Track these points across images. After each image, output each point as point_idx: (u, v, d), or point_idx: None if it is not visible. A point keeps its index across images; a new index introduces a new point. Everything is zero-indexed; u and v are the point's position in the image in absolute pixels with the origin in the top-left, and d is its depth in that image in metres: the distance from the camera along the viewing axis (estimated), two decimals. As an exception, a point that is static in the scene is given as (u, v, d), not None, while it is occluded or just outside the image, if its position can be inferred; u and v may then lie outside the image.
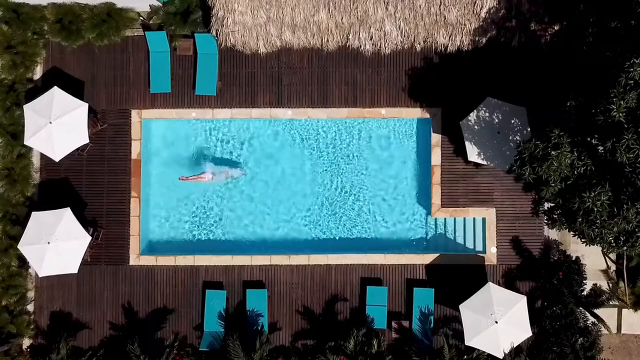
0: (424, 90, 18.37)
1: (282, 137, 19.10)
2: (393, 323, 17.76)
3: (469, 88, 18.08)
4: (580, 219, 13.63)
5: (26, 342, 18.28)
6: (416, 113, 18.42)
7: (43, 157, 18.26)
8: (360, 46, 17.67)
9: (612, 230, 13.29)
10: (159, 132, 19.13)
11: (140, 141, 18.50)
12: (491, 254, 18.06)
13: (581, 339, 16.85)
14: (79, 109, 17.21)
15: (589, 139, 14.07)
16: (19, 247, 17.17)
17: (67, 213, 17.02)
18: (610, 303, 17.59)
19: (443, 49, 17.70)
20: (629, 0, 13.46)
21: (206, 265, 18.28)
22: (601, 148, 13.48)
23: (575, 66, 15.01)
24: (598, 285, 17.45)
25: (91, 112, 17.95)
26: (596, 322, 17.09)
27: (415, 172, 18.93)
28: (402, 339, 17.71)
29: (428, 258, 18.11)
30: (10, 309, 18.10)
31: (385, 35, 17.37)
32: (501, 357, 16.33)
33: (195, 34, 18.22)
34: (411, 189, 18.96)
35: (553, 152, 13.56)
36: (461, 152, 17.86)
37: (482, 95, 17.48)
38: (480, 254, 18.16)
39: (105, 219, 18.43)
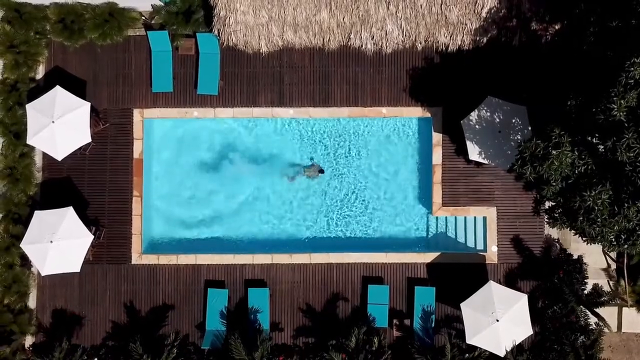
0: (425, 90, 18.41)
1: (282, 136, 19.14)
2: (394, 321, 17.81)
3: (469, 87, 18.12)
4: (581, 218, 13.66)
5: (29, 341, 18.33)
6: (417, 112, 18.46)
7: (45, 156, 18.31)
8: (362, 45, 17.71)
9: (612, 229, 13.32)
10: (161, 131, 19.19)
11: (142, 140, 18.55)
12: (492, 253, 18.11)
13: (582, 337, 16.90)
14: (81, 108, 17.24)
15: (589, 138, 14.11)
16: (21, 246, 17.21)
17: (69, 212, 17.06)
18: (611, 302, 17.62)
19: (444, 48, 17.74)
20: (629, 0, 13.50)
21: (208, 264, 18.33)
22: (602, 147, 13.52)
23: (576, 65, 15.05)
24: (600, 285, 17.48)
25: (93, 111, 17.99)
26: (598, 322, 17.12)
27: (416, 171, 18.97)
28: (403, 338, 17.76)
29: (429, 257, 18.16)
30: (12, 307, 18.15)
31: (386, 34, 17.41)
32: (502, 356, 16.38)
33: (197, 34, 18.24)
34: (412, 188, 19.01)
35: (554, 152, 13.59)
36: (462, 151, 17.91)
37: (483, 94, 17.51)
38: (481, 253, 18.20)
39: (108, 218, 18.47)
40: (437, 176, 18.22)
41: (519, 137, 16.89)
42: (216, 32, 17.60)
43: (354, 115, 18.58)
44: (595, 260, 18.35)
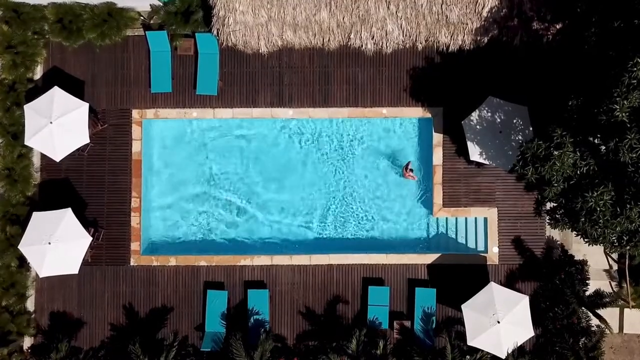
0: (426, 90, 18.33)
1: (282, 138, 19.05)
2: (395, 323, 17.72)
3: (470, 87, 18.05)
4: (583, 219, 13.59)
5: (27, 342, 18.24)
6: (418, 112, 18.39)
7: (44, 157, 18.22)
8: (362, 45, 17.63)
9: (615, 230, 13.26)
10: (160, 132, 19.11)
11: (140, 141, 18.46)
12: (493, 254, 18.03)
13: (583, 339, 16.82)
14: (80, 109, 17.16)
15: (591, 138, 14.04)
16: (19, 247, 17.10)
17: (68, 213, 16.98)
18: (613, 304, 17.54)
19: (445, 48, 17.66)
20: (632, 0, 13.43)
21: (207, 266, 18.24)
22: (604, 148, 13.45)
23: (578, 65, 14.97)
24: (601, 290, 17.40)
25: (92, 112, 17.91)
26: (600, 323, 17.05)
27: (416, 172, 18.86)
28: (404, 339, 17.67)
29: (430, 258, 18.08)
30: (11, 309, 18.06)
31: (386, 34, 17.33)
32: (503, 357, 16.29)
33: (196, 34, 18.17)
34: (413, 188, 18.91)
35: (555, 152, 13.53)
36: (463, 152, 17.83)
37: (484, 94, 17.43)
38: (482, 254, 18.12)
39: (106, 219, 18.39)
40: (438, 177, 18.14)
41: (520, 138, 16.81)
42: (215, 32, 17.51)
43: (354, 115, 18.49)
44: (596, 261, 18.29)
